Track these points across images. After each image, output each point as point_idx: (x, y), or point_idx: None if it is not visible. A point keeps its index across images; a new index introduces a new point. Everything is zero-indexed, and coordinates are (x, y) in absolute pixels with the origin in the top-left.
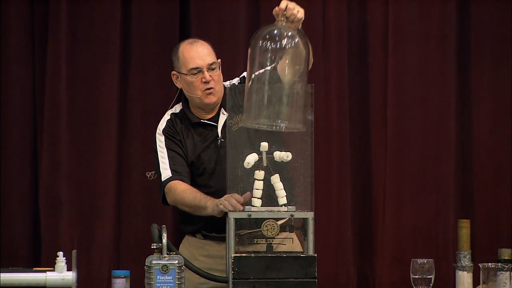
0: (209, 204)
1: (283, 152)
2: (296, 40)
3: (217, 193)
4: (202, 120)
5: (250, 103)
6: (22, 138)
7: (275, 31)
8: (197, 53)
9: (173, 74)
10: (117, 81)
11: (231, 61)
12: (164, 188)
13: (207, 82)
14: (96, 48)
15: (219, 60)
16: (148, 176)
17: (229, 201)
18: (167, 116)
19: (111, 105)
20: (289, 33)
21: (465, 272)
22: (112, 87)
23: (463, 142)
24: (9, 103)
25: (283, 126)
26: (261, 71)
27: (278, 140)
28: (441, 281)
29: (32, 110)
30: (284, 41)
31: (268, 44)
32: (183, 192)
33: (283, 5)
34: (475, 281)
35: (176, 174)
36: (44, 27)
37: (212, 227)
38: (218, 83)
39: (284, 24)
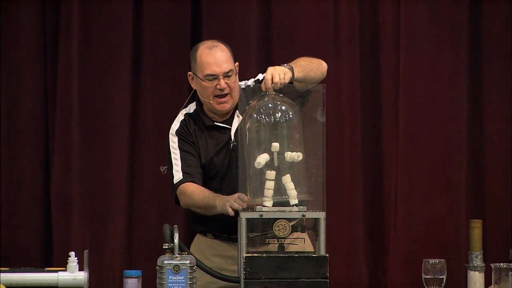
0: (217, 203)
1: (294, 153)
2: (291, 113)
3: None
4: (215, 123)
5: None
6: (34, 138)
7: (270, 105)
8: (215, 60)
9: (189, 75)
10: (129, 82)
11: (242, 61)
12: (175, 191)
13: (221, 89)
14: (108, 48)
15: (236, 64)
16: (161, 170)
17: (236, 204)
18: (180, 117)
19: (123, 105)
20: (283, 107)
21: (477, 272)
22: (124, 88)
23: (474, 142)
24: (21, 103)
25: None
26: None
27: (289, 141)
28: (453, 282)
29: (43, 111)
30: (278, 115)
31: (264, 120)
32: (192, 193)
33: (268, 76)
34: (487, 282)
35: (187, 176)
36: (56, 27)
37: (222, 228)
38: (233, 90)
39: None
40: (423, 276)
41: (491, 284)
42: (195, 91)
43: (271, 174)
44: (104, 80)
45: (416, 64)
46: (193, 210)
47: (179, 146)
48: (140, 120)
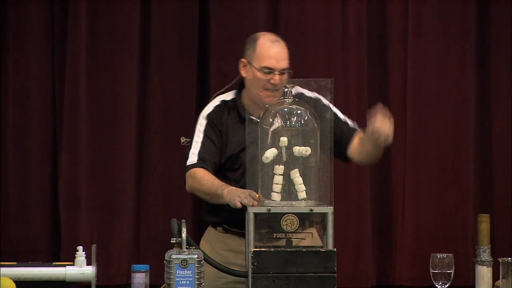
0: (225, 193)
1: (302, 147)
2: (306, 117)
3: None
4: (251, 117)
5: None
6: (42, 134)
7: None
8: (276, 54)
9: (242, 61)
10: (136, 78)
11: None
12: (185, 173)
13: (274, 85)
14: (116, 44)
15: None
16: (182, 141)
17: (246, 200)
18: (216, 102)
19: (130, 102)
20: (298, 111)
21: (484, 267)
22: (132, 84)
23: (482, 137)
24: (29, 100)
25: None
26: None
27: (298, 135)
28: (460, 276)
29: (52, 107)
30: (294, 119)
31: (280, 122)
32: (201, 178)
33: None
34: (495, 276)
35: (201, 161)
36: (64, 24)
37: (234, 221)
38: (282, 87)
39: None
40: (431, 270)
41: (499, 279)
42: (239, 79)
43: (279, 168)
44: (112, 76)
45: (424, 59)
46: (197, 195)
47: (204, 130)
48: (147, 116)
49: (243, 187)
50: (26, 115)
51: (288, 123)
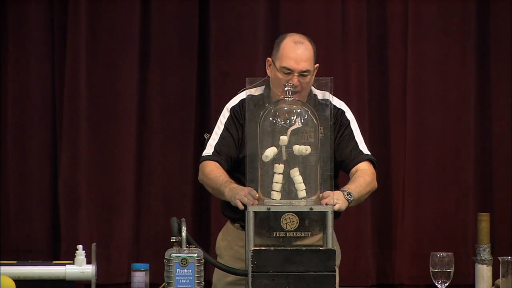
0: (227, 192)
1: (302, 146)
2: (306, 116)
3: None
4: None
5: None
6: (42, 134)
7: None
8: (296, 55)
9: (268, 60)
10: (136, 77)
11: (249, 59)
12: (200, 164)
13: (294, 86)
14: (116, 44)
15: (316, 66)
16: (206, 137)
17: (246, 198)
18: (243, 95)
19: (130, 102)
20: (298, 110)
21: (484, 266)
22: (132, 83)
23: (482, 137)
24: (29, 99)
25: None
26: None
27: (297, 134)
28: (460, 275)
29: (51, 107)
30: (294, 118)
31: (279, 121)
32: (209, 172)
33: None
34: (495, 275)
35: (216, 154)
36: (64, 23)
37: None
38: (305, 89)
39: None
40: (431, 269)
41: (499, 278)
42: (269, 77)
43: (279, 167)
44: (112, 76)
45: (424, 59)
46: (206, 188)
47: (226, 123)
48: (147, 116)
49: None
50: (26, 115)
51: (288, 121)
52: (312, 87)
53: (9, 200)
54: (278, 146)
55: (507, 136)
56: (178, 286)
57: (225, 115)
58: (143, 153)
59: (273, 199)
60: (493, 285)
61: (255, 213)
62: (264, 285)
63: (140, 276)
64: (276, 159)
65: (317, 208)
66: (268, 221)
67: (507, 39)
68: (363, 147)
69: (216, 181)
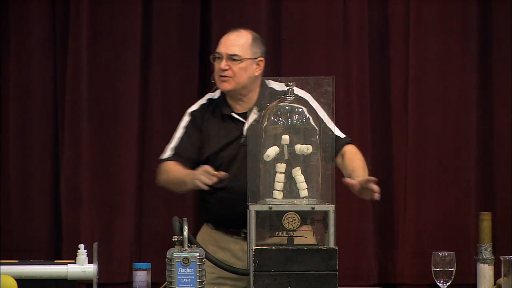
0: (187, 179)
1: (303, 145)
2: (307, 115)
3: (225, 190)
4: (232, 113)
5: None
6: (43, 132)
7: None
8: (226, 40)
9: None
10: (138, 76)
11: None
12: (159, 167)
13: (222, 70)
14: (117, 43)
15: (260, 59)
16: None
17: (203, 177)
18: (203, 100)
19: (132, 101)
20: (300, 109)
21: (486, 265)
22: (133, 82)
23: (484, 135)
24: (31, 98)
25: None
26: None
27: (299, 133)
28: (462, 274)
29: (53, 106)
30: (295, 117)
31: (280, 120)
32: (170, 170)
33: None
34: (496, 274)
35: (175, 155)
36: (65, 22)
37: (219, 222)
38: (237, 75)
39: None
40: (433, 268)
41: (501, 277)
42: None
43: (281, 166)
44: (113, 75)
45: (425, 58)
46: (168, 188)
47: (185, 126)
48: (149, 115)
49: (226, 186)
50: (28, 114)
51: (289, 121)
52: (270, 81)
53: (10, 199)
54: (279, 146)
55: (508, 135)
56: (180, 285)
57: (185, 119)
58: (144, 152)
59: (274, 198)
60: (494, 284)
61: (257, 212)
62: (266, 284)
63: (141, 276)
64: (277, 159)
65: (319, 208)
66: (270, 220)
67: (508, 39)
68: (338, 132)
69: (177, 174)
